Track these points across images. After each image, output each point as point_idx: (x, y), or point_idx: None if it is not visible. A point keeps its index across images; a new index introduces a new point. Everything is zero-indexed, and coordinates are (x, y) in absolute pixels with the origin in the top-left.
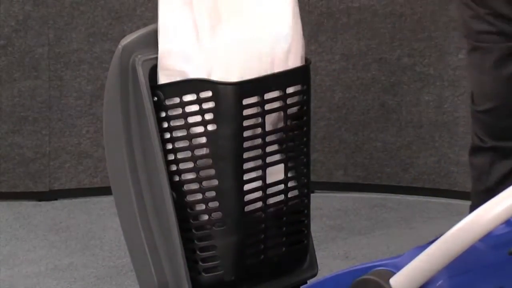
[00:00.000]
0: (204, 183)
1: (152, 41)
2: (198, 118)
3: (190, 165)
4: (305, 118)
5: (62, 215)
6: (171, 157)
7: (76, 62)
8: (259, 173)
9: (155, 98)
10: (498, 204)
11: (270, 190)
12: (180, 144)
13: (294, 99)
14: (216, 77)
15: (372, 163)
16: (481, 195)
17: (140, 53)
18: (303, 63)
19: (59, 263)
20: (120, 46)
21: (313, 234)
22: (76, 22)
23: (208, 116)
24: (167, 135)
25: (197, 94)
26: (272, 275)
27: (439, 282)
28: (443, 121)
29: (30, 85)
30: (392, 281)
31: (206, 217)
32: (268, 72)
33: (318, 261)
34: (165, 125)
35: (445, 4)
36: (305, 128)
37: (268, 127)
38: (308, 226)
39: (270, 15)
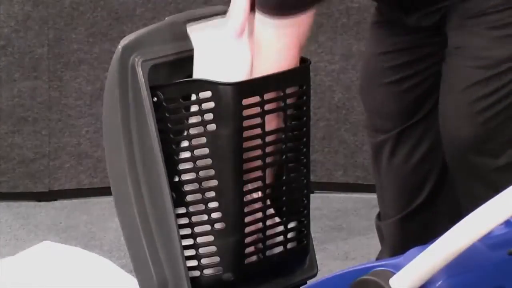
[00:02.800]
0: (204, 183)
1: (152, 41)
2: (197, 118)
3: (189, 165)
4: (304, 118)
5: (62, 215)
6: (170, 157)
7: (76, 63)
8: (258, 173)
9: (155, 99)
10: (498, 204)
11: (269, 191)
12: (179, 144)
13: (294, 100)
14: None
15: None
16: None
17: (139, 54)
18: None
19: None
20: (119, 47)
21: (313, 235)
22: (76, 23)
23: (208, 116)
24: (167, 135)
25: (197, 94)
26: (272, 275)
27: (439, 282)
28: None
29: (30, 86)
30: (392, 281)
31: (205, 217)
32: None
33: (318, 262)
34: (165, 125)
35: None
36: (304, 129)
37: (267, 128)
38: (307, 227)
39: None
